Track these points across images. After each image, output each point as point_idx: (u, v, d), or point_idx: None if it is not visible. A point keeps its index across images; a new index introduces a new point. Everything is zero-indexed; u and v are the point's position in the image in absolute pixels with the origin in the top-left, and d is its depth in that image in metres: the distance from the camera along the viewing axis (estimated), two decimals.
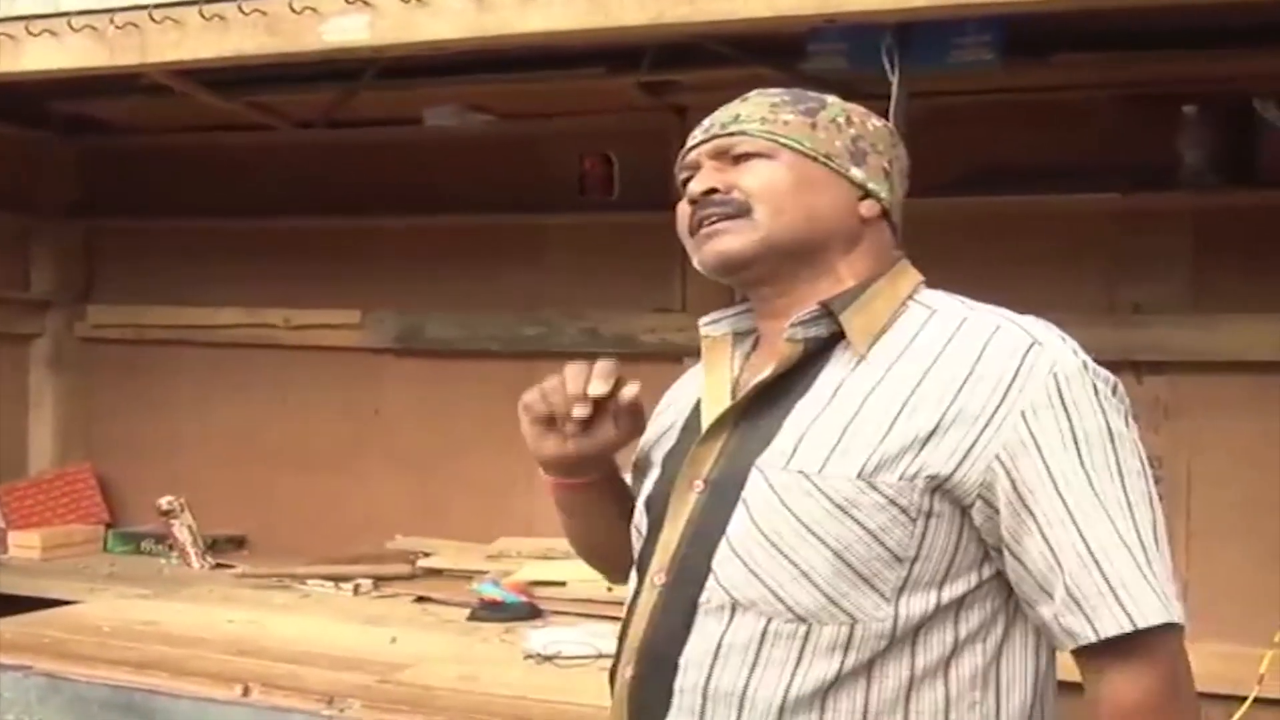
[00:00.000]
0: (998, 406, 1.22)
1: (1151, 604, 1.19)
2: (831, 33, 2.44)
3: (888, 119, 1.44)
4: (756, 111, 1.37)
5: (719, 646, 1.26)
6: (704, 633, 1.27)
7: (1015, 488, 1.21)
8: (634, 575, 1.39)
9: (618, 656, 1.37)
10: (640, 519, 1.40)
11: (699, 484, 1.31)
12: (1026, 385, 1.22)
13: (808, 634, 1.23)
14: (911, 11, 2.23)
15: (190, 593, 3.51)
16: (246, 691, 2.55)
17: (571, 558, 3.45)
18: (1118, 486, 1.22)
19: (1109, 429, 1.23)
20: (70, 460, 4.42)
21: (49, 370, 4.47)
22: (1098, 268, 3.19)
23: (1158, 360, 3.12)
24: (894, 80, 2.25)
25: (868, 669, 1.23)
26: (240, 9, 2.64)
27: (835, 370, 1.29)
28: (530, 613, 3.17)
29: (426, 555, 3.75)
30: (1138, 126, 3.08)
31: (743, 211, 1.33)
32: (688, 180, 1.39)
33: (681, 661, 1.28)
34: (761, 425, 1.29)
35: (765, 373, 1.31)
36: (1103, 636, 1.20)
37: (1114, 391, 1.26)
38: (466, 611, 3.21)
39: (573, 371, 1.37)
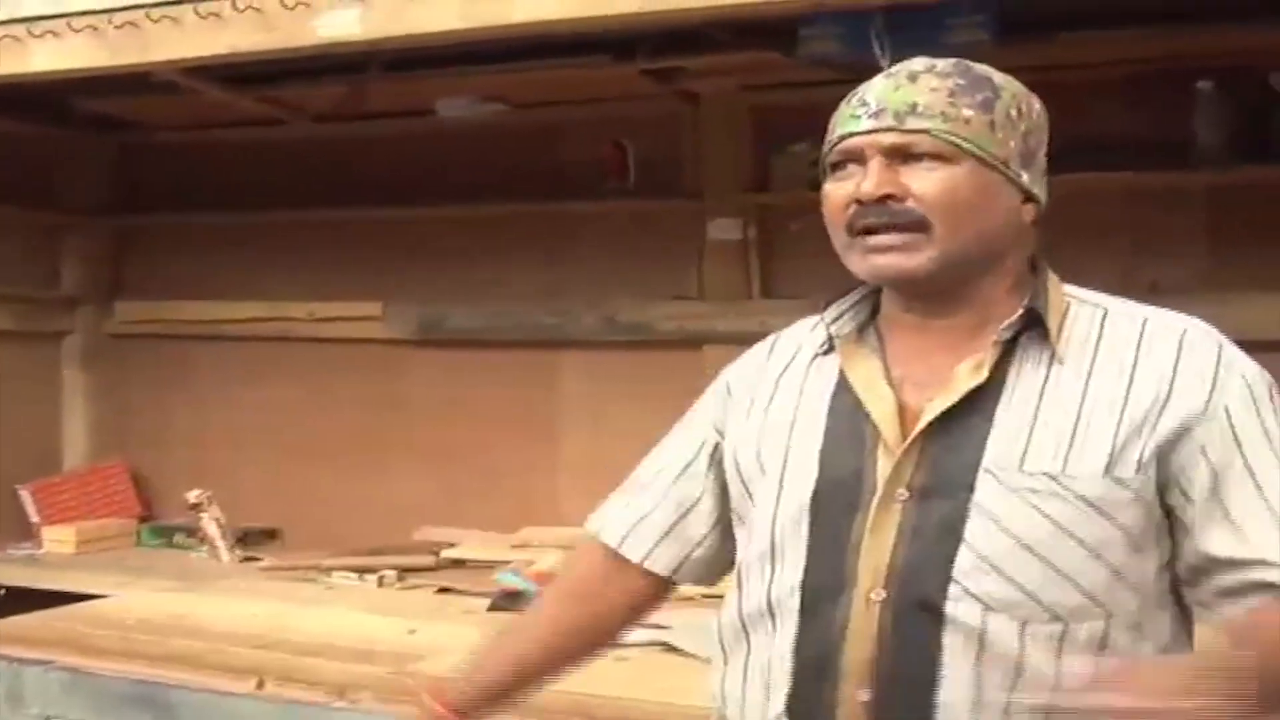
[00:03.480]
0: (1206, 401, 1.24)
1: None
2: (823, 17, 2.41)
3: None
4: (936, 103, 1.26)
5: (979, 655, 1.22)
6: (958, 644, 1.22)
7: (1216, 479, 1.24)
8: (800, 588, 1.28)
9: (820, 678, 1.26)
10: (797, 527, 1.30)
11: (902, 492, 1.25)
12: (1227, 385, 1.25)
13: (1064, 633, 1.22)
14: None
15: (218, 586, 3.54)
16: (260, 685, 2.56)
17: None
18: None
19: None
20: (103, 455, 4.46)
21: (80, 367, 4.52)
22: (1114, 247, 3.13)
23: None
24: (885, 64, 2.22)
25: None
26: (234, 5, 2.66)
27: (1029, 369, 1.28)
28: None
29: (451, 546, 3.76)
30: (1151, 104, 3.02)
31: (920, 227, 1.25)
32: (840, 163, 1.30)
33: (941, 677, 1.22)
34: (959, 428, 1.25)
35: (980, 377, 1.26)
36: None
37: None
38: (488, 602, 3.20)
39: None
